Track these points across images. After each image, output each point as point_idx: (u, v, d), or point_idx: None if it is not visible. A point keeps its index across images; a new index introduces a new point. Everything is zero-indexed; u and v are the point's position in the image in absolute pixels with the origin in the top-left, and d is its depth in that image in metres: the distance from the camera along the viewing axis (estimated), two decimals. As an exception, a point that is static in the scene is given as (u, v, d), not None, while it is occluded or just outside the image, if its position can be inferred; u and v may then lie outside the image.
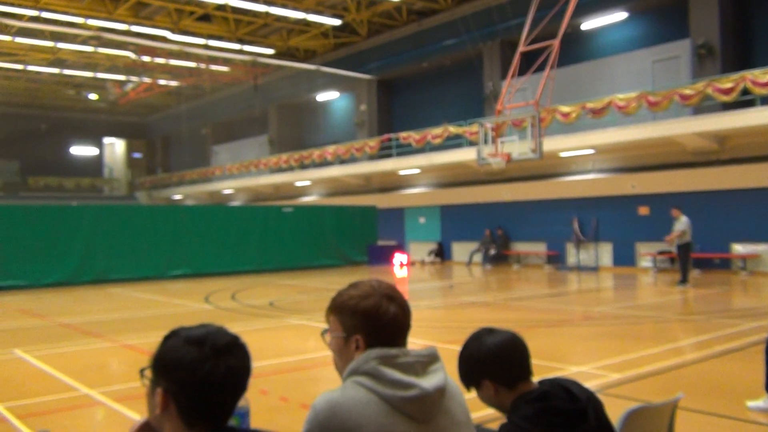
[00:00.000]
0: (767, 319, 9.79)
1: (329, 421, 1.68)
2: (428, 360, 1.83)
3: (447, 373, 1.87)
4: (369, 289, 1.92)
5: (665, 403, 2.64)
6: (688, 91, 17.99)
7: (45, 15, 25.20)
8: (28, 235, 18.27)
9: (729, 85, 17.11)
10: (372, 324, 1.86)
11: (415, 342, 8.64)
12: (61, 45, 29.52)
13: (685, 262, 15.04)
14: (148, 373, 1.61)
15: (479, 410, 3.23)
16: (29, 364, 7.95)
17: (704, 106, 18.25)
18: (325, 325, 2.03)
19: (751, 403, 5.33)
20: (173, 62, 31.57)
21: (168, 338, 1.61)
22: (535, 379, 2.35)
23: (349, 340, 1.88)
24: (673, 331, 9.59)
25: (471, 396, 2.39)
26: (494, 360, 2.28)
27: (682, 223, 14.89)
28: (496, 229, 23.83)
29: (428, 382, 1.77)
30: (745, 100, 17.35)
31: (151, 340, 1.72)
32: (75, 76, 36.35)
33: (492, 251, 23.51)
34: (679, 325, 10.06)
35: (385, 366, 1.76)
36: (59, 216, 19.26)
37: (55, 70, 34.51)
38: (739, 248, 18.23)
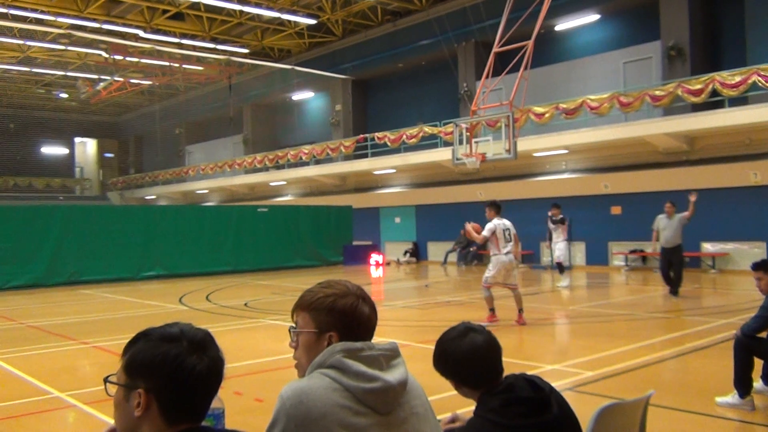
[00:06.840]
0: (736, 316, 9.97)
1: (296, 408, 1.70)
2: (391, 354, 1.88)
3: (408, 368, 1.92)
4: (345, 288, 1.95)
5: (637, 400, 2.68)
6: (658, 92, 18.25)
7: (13, 12, 24.72)
8: (-4, 236, 17.93)
9: (698, 86, 17.39)
10: (348, 322, 1.90)
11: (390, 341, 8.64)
12: (30, 43, 28.98)
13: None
14: (116, 378, 1.59)
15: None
16: (-2, 368, 7.79)
17: (674, 107, 18.52)
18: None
19: (720, 399, 5.42)
20: (146, 61, 31.19)
21: (138, 340, 1.60)
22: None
23: (321, 337, 1.90)
24: (644, 329, 9.71)
25: (436, 396, 2.40)
26: (462, 367, 2.33)
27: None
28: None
29: (391, 375, 1.82)
30: (714, 101, 17.65)
31: (124, 342, 1.71)
32: (45, 74, 35.73)
33: (472, 248, 23.55)
34: (651, 323, 10.20)
35: (349, 359, 1.80)
36: (29, 216, 18.87)
37: (25, 69, 33.87)
38: (708, 247, 18.55)
